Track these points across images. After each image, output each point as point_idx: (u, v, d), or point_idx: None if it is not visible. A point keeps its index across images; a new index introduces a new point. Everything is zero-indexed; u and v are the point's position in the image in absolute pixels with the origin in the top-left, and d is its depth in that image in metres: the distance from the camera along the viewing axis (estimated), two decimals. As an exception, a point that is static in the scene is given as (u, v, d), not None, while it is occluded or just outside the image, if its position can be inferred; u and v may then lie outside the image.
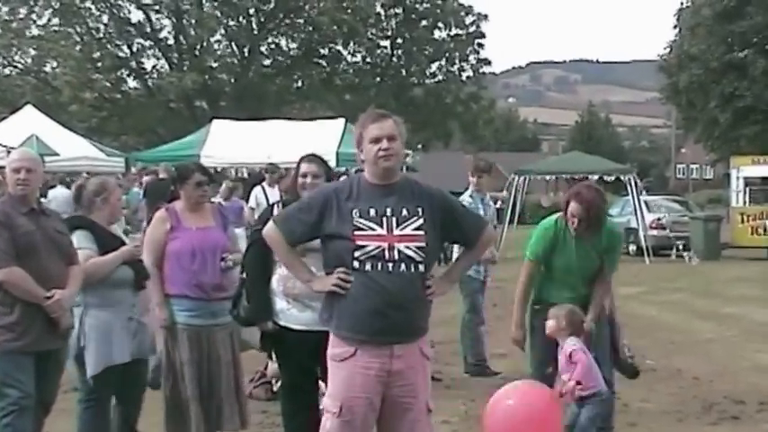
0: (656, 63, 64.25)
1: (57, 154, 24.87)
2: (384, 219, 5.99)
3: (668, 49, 61.93)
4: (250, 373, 10.42)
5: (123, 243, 7.91)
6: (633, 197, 32.37)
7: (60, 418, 8.47)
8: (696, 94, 56.53)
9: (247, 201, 19.20)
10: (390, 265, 5.93)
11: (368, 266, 5.93)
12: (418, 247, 5.97)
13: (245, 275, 7.85)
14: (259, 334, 7.97)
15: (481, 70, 63.97)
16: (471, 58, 62.73)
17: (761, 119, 53.24)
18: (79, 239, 7.74)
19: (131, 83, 59.12)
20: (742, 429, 9.52)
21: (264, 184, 19.05)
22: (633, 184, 32.20)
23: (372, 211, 6.00)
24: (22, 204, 7.32)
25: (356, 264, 5.94)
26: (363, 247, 5.93)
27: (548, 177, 39.00)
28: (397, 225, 5.98)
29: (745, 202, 34.06)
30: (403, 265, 5.94)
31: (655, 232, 32.14)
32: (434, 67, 62.79)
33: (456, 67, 62.52)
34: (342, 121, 29.17)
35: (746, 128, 53.48)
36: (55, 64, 55.64)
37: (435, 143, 70.10)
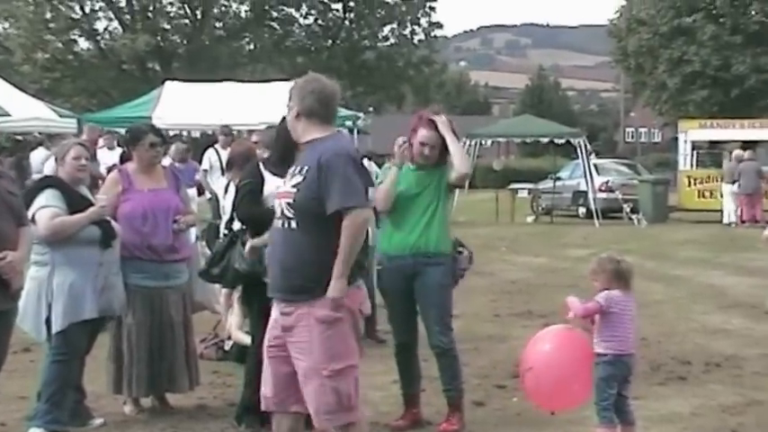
0: (606, 27, 64.50)
1: (8, 114, 24.61)
2: (287, 177, 6.16)
3: (618, 14, 62.17)
4: (201, 334, 10.46)
5: (92, 204, 7.92)
6: (583, 160, 32.40)
7: (11, 379, 8.50)
8: (645, 58, 56.85)
9: (200, 162, 19.10)
10: (278, 221, 6.12)
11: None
12: (287, 204, 6.04)
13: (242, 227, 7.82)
14: (218, 293, 8.01)
15: (433, 34, 63.84)
16: (423, 21, 62.54)
17: (708, 84, 53.63)
18: (48, 198, 7.77)
19: (84, 44, 58.55)
20: (688, 389, 9.64)
21: (217, 146, 18.92)
22: (583, 147, 32.25)
23: (291, 170, 6.16)
24: (-26, 165, 7.27)
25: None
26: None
27: (500, 140, 39.07)
28: (286, 183, 6.15)
29: (692, 166, 34.36)
30: (280, 222, 6.10)
31: (604, 195, 32.22)
32: (386, 30, 62.58)
33: (408, 30, 62.36)
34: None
35: (694, 93, 53.87)
36: (7, 24, 55.10)
37: (387, 106, 69.99)
